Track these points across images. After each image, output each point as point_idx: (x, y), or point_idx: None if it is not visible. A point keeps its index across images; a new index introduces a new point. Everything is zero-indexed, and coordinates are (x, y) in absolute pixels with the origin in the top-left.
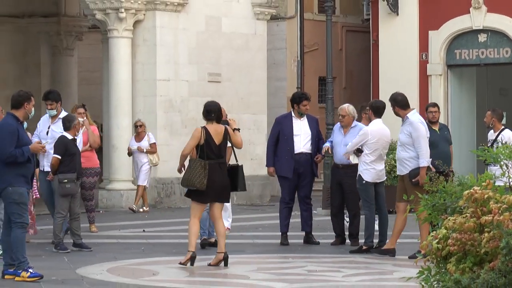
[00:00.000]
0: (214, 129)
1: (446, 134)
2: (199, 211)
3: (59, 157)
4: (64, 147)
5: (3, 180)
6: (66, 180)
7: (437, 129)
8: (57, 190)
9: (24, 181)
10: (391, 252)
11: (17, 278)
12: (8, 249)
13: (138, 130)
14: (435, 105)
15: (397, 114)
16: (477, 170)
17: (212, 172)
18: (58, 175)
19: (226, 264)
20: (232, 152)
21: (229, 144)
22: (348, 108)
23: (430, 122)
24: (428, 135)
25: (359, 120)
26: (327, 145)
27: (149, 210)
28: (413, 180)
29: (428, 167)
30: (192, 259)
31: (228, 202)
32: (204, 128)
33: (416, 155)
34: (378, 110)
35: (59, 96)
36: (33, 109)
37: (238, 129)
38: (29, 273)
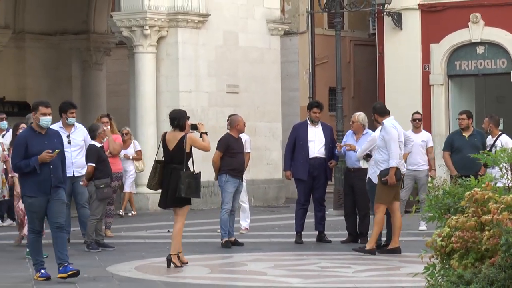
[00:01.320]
0: (172, 136)
1: (476, 140)
2: (179, 214)
3: (94, 164)
4: (97, 154)
5: (22, 189)
6: (103, 185)
7: (466, 136)
8: (94, 195)
9: (37, 190)
10: (397, 251)
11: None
12: (56, 250)
13: (124, 138)
14: (463, 112)
15: (376, 121)
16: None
17: (164, 177)
18: (94, 181)
19: (168, 266)
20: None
21: (247, 150)
22: (359, 116)
23: (461, 129)
24: (401, 139)
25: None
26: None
27: (136, 214)
28: (382, 179)
29: (397, 168)
30: (168, 261)
31: (184, 205)
32: (164, 134)
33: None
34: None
35: None
36: (42, 117)
37: (206, 133)
38: (39, 274)
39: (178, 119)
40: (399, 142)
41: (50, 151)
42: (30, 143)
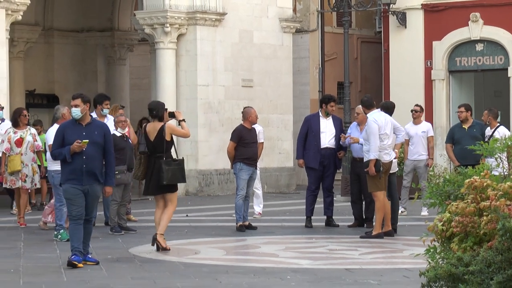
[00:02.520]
0: (152, 127)
1: (475, 131)
2: (157, 201)
3: None
4: (114, 143)
5: (61, 177)
6: (117, 172)
7: (466, 127)
8: None
9: (69, 178)
10: (390, 233)
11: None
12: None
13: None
14: (461, 106)
15: (364, 112)
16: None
17: (148, 167)
18: None
19: (153, 244)
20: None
21: (261, 140)
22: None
23: (461, 121)
24: (383, 131)
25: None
26: (346, 141)
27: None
28: (364, 170)
29: (377, 160)
30: (153, 239)
31: (172, 192)
32: (144, 126)
33: None
34: (388, 109)
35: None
36: (74, 109)
37: (184, 120)
38: (71, 257)
39: (156, 109)
40: (380, 134)
41: (80, 141)
42: (66, 133)
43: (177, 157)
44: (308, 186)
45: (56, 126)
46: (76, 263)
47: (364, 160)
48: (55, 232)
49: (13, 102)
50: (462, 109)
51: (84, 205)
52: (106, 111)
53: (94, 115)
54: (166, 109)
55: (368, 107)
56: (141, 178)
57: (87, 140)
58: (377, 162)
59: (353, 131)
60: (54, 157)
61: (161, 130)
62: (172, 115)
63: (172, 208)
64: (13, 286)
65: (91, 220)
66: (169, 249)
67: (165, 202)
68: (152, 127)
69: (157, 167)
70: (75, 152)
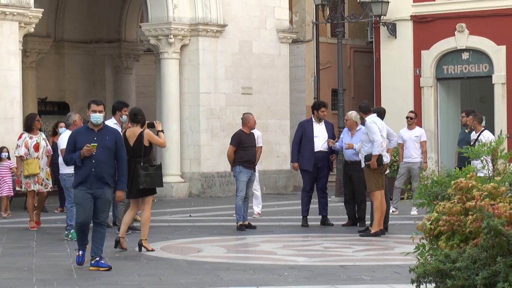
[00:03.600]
0: (131, 132)
1: (469, 136)
2: (132, 204)
3: None
4: None
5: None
6: None
7: (466, 131)
8: None
9: (79, 183)
10: (382, 232)
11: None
12: (95, 242)
13: None
14: (463, 111)
15: (361, 117)
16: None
17: (129, 171)
18: None
19: (140, 250)
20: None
21: (259, 144)
22: (351, 114)
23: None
24: (384, 134)
25: None
26: (337, 145)
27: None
28: (366, 163)
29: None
30: (115, 242)
31: (149, 195)
32: (124, 132)
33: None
34: (380, 114)
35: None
36: (92, 114)
37: (162, 131)
38: (77, 253)
39: (141, 115)
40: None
41: (88, 145)
42: (78, 138)
43: (155, 162)
44: (303, 187)
45: (68, 132)
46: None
47: (364, 162)
48: (66, 232)
49: (26, 110)
50: (463, 114)
51: (92, 210)
52: (124, 117)
53: (113, 120)
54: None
55: (366, 112)
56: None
57: (96, 144)
58: (380, 157)
59: (345, 136)
60: (66, 163)
61: (140, 136)
62: (151, 125)
63: (148, 212)
64: (27, 283)
65: (103, 223)
66: (153, 250)
67: (139, 206)
68: (132, 132)
69: (135, 172)
70: (85, 157)
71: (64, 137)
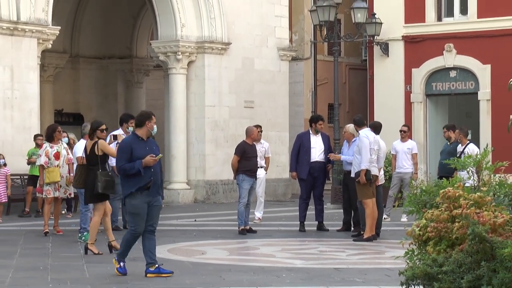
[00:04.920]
0: (89, 143)
1: (451, 147)
2: (99, 209)
3: None
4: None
5: (124, 191)
6: None
7: (449, 144)
8: None
9: (140, 191)
10: (374, 237)
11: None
12: (147, 250)
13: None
14: (444, 126)
15: (355, 130)
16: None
17: (84, 177)
18: None
19: (85, 253)
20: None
21: (268, 155)
22: (348, 127)
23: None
24: (373, 147)
25: None
26: (338, 155)
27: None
28: (356, 180)
29: (367, 170)
30: (85, 249)
31: (102, 201)
32: (85, 143)
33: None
34: (376, 128)
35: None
36: (155, 126)
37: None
38: (118, 266)
39: (93, 128)
40: (370, 149)
41: (154, 155)
42: (134, 147)
43: (110, 170)
44: (300, 195)
45: (83, 141)
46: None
47: (354, 171)
48: (79, 234)
49: (43, 120)
50: (445, 129)
51: (146, 218)
52: (131, 128)
53: (121, 131)
54: (106, 128)
55: (360, 125)
56: (80, 186)
57: (161, 155)
58: (368, 172)
59: (344, 147)
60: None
61: (94, 146)
62: (115, 137)
63: (98, 218)
64: (42, 281)
65: (155, 230)
66: (101, 253)
67: (106, 208)
68: (89, 143)
69: (91, 178)
70: (145, 166)
71: (79, 146)
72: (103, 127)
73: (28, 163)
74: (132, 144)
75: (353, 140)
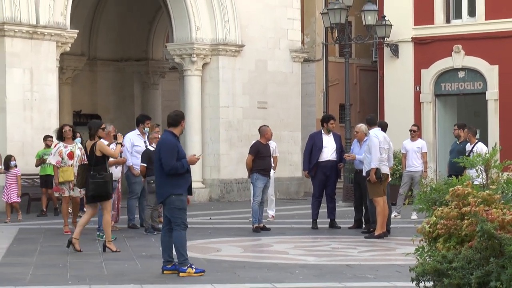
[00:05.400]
0: (89, 143)
1: (460, 146)
2: (87, 209)
3: (145, 165)
4: (148, 157)
5: (167, 189)
6: (152, 181)
7: (458, 142)
8: (146, 188)
9: (184, 189)
10: (385, 234)
11: (181, 274)
12: (166, 247)
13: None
14: (455, 124)
15: (367, 129)
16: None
17: (84, 177)
18: (146, 178)
19: (104, 250)
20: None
21: (276, 154)
22: (361, 127)
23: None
24: (383, 146)
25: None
26: (352, 154)
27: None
28: (366, 178)
29: (377, 168)
30: (68, 243)
31: (104, 200)
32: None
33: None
34: (382, 128)
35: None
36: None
37: (121, 143)
38: (194, 269)
39: (90, 129)
40: (380, 148)
41: (196, 154)
42: (179, 147)
43: (107, 171)
44: (313, 193)
45: (103, 141)
46: (203, 272)
47: (365, 170)
48: (98, 233)
49: (62, 121)
50: (455, 127)
51: None
52: (147, 129)
53: (137, 132)
54: (103, 128)
55: (371, 124)
56: (81, 186)
57: (203, 154)
58: (377, 170)
59: (355, 146)
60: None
61: (93, 147)
62: (115, 137)
63: (107, 215)
64: (62, 278)
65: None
66: (119, 251)
67: (96, 210)
68: (89, 144)
69: (87, 179)
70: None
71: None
72: (103, 126)
73: (37, 165)
74: (177, 143)
75: (364, 139)
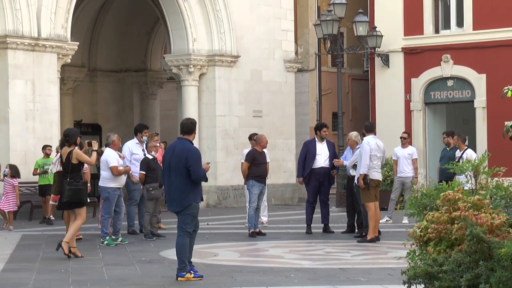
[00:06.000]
0: (64, 151)
1: (450, 153)
2: (77, 213)
3: (144, 172)
4: (146, 165)
5: (190, 197)
6: (151, 188)
7: (448, 149)
8: (145, 195)
9: (201, 196)
10: (377, 239)
11: (180, 279)
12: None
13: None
14: (444, 132)
15: (364, 135)
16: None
17: (60, 184)
18: (145, 185)
19: (66, 256)
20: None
21: (268, 160)
22: (352, 135)
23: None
24: (375, 153)
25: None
26: (342, 160)
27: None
28: (355, 184)
29: (366, 174)
30: (58, 245)
31: (80, 207)
32: (61, 150)
33: None
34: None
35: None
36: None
37: (96, 150)
38: (193, 274)
39: (69, 136)
40: (371, 156)
41: (207, 162)
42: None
43: (82, 179)
44: (307, 199)
45: (109, 150)
46: (201, 277)
47: (356, 176)
48: (101, 239)
49: (63, 130)
50: (444, 135)
51: None
52: (145, 138)
53: (135, 140)
54: (80, 136)
55: (368, 131)
56: (57, 193)
57: (210, 163)
58: (365, 176)
59: (348, 153)
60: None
61: (69, 154)
62: (89, 144)
63: (80, 221)
64: (63, 283)
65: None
66: (81, 256)
67: (74, 217)
68: (64, 151)
69: (63, 186)
70: None
71: (112, 154)
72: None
73: (36, 174)
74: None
75: (357, 147)
